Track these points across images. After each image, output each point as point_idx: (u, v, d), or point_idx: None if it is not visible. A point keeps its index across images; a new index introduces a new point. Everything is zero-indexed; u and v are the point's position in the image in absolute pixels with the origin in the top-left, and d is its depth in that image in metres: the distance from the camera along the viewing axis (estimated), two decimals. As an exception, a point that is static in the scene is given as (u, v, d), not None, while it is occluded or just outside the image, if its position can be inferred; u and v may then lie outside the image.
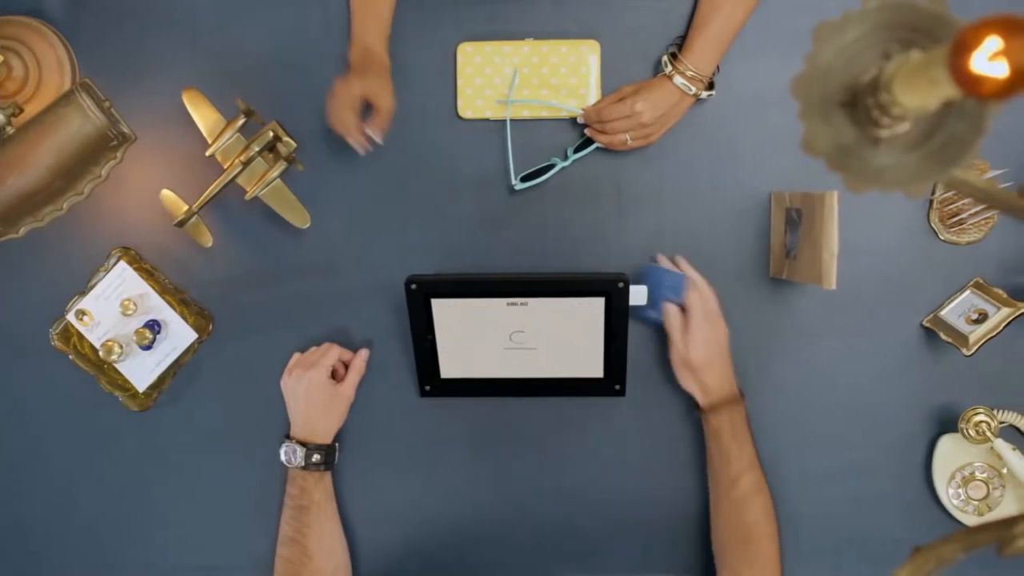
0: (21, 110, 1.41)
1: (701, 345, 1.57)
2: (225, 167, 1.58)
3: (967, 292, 1.65)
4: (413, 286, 1.60)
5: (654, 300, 1.61)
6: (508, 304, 1.57)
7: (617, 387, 1.61)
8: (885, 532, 1.68)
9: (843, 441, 1.68)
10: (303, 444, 1.62)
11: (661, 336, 1.66)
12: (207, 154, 1.58)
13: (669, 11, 1.66)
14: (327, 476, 1.64)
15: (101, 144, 1.46)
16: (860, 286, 1.66)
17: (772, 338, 1.67)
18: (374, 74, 1.54)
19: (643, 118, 1.58)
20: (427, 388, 1.60)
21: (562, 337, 1.58)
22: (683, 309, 1.59)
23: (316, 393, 1.62)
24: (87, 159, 1.47)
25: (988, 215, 1.64)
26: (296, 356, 1.66)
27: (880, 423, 1.67)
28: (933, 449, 1.66)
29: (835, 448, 1.68)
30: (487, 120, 1.66)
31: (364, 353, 1.66)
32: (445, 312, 1.60)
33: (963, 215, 1.64)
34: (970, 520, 1.66)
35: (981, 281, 1.65)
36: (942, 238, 1.66)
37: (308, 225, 1.60)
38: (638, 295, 1.58)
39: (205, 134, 1.59)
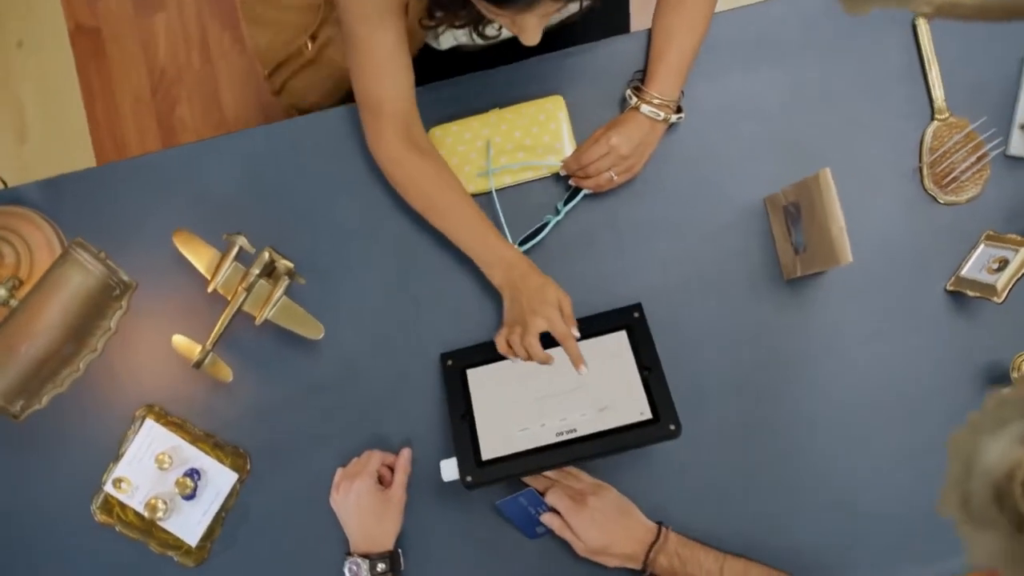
0: (21, 282, 1.42)
1: (591, 529, 1.54)
2: (229, 299, 1.58)
3: (981, 246, 1.64)
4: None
5: (530, 523, 1.60)
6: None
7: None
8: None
9: (898, 425, 1.65)
10: (365, 556, 1.58)
11: (689, 349, 1.64)
12: (209, 290, 1.58)
13: (624, 52, 1.70)
14: None
15: (105, 295, 1.46)
16: (874, 268, 1.66)
17: (802, 340, 1.66)
18: (543, 291, 1.54)
19: (621, 150, 1.60)
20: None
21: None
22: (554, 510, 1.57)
23: (367, 503, 1.59)
24: (94, 313, 1.47)
25: (980, 166, 1.64)
26: (340, 471, 1.63)
27: (930, 396, 1.65)
28: (992, 408, 1.63)
29: (892, 434, 1.64)
30: (474, 196, 1.67)
31: (407, 452, 1.63)
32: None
33: (955, 172, 1.65)
34: None
35: (992, 232, 1.65)
36: (942, 201, 1.66)
37: (322, 335, 1.59)
38: (449, 470, 1.55)
39: (203, 271, 1.60)
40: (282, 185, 1.68)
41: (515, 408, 1.57)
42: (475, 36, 1.55)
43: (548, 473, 1.59)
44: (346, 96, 1.82)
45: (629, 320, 1.58)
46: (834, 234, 1.45)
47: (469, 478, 1.51)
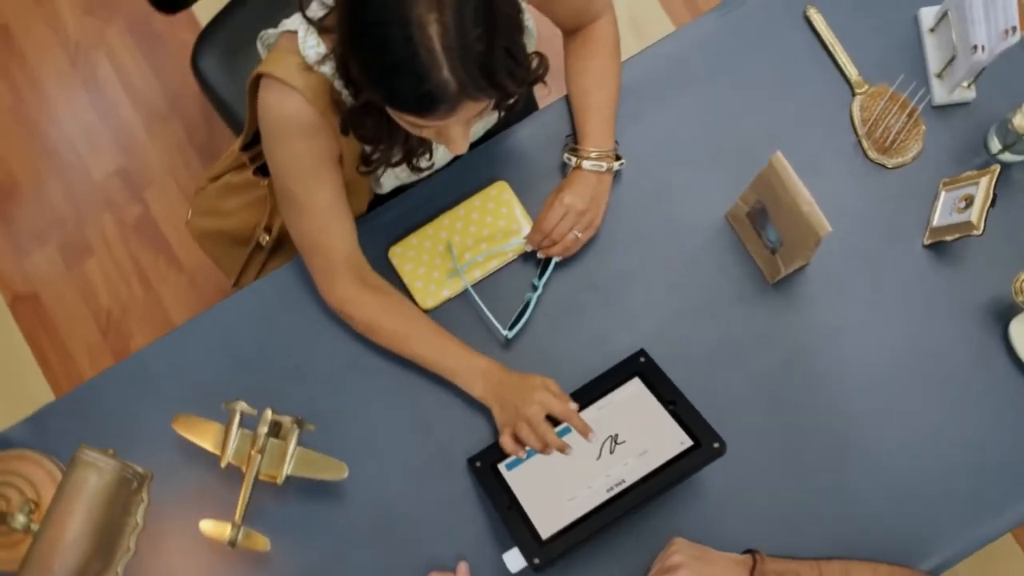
0: (37, 504, 1.38)
1: None
2: (244, 468, 1.55)
3: (942, 194, 1.68)
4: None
5: None
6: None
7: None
8: (1000, 452, 1.62)
9: (928, 389, 1.64)
10: None
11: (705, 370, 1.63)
12: (223, 465, 1.55)
13: (546, 124, 1.74)
14: None
15: (124, 489, 1.43)
16: (849, 249, 1.68)
17: (806, 337, 1.66)
18: (526, 382, 1.55)
19: (578, 207, 1.62)
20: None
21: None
22: None
23: None
24: (119, 511, 1.43)
25: (912, 122, 1.69)
26: None
27: (945, 353, 1.65)
28: (1009, 340, 1.64)
29: (926, 399, 1.64)
30: (451, 299, 1.67)
31: (463, 567, 1.58)
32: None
33: (892, 134, 1.69)
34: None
35: (947, 179, 1.68)
36: (891, 166, 1.70)
37: (347, 473, 1.56)
38: (514, 560, 1.51)
39: (212, 448, 1.57)
40: (262, 346, 1.67)
41: (557, 482, 1.54)
42: (411, 170, 1.57)
43: None
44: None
45: (637, 367, 1.58)
46: (805, 211, 1.47)
47: (536, 560, 1.47)
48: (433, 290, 1.67)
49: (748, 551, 1.54)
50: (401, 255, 1.69)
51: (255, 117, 1.61)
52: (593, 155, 1.65)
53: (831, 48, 1.74)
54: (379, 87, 1.28)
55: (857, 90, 1.72)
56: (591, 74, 1.68)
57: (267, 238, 1.83)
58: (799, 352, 1.65)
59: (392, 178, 1.67)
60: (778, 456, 1.61)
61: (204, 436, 1.58)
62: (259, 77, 1.46)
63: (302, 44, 1.41)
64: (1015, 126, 1.61)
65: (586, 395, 1.59)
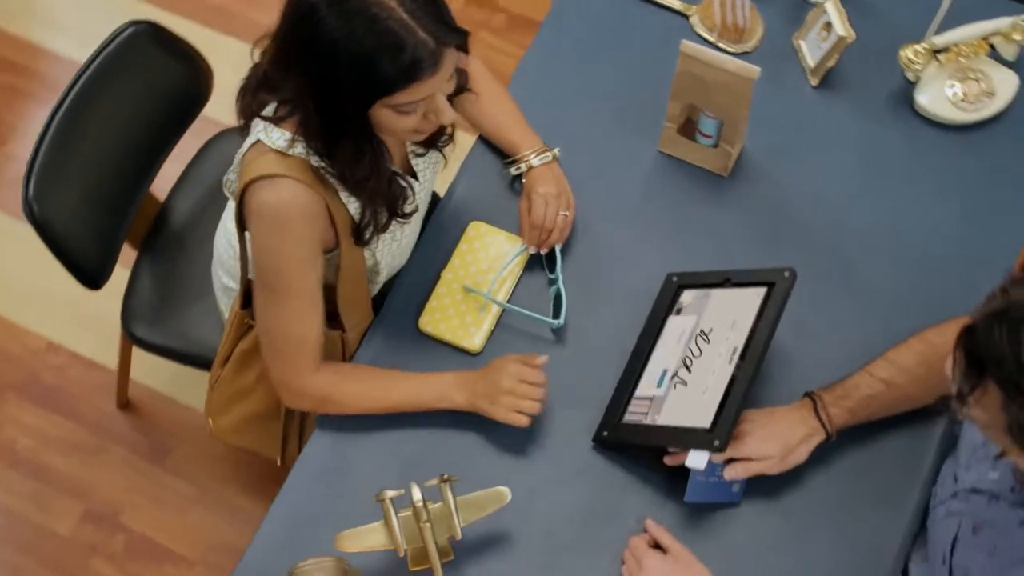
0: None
1: (762, 444, 1.62)
2: (423, 543, 1.57)
3: (801, 43, 1.96)
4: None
5: (724, 490, 1.66)
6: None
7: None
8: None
9: (878, 187, 1.87)
10: None
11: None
12: (401, 554, 1.57)
13: (478, 168, 1.92)
14: None
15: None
16: (760, 124, 1.90)
17: (777, 206, 1.87)
18: (494, 369, 1.68)
19: (552, 192, 1.80)
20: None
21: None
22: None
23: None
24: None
25: (745, 4, 1.96)
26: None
27: (887, 152, 1.91)
28: (920, 111, 1.91)
29: (884, 198, 1.87)
30: (494, 330, 1.79)
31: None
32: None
33: (740, 23, 1.96)
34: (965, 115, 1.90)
35: (795, 33, 1.97)
36: (750, 49, 1.96)
37: (510, 495, 1.60)
38: (697, 459, 1.59)
39: (384, 546, 1.58)
40: (350, 474, 1.72)
41: (684, 394, 1.65)
42: (399, 218, 1.68)
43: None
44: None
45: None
46: (732, 68, 1.70)
47: (718, 441, 1.56)
48: (475, 331, 1.78)
49: (806, 395, 1.67)
50: (431, 321, 1.79)
51: (245, 267, 1.72)
52: (534, 154, 1.84)
53: (652, -1, 2.04)
54: (367, 88, 1.43)
55: (688, 14, 2.00)
56: (489, 100, 1.89)
57: None
58: (779, 217, 1.85)
59: (386, 253, 1.76)
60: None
61: (371, 539, 1.59)
62: (244, 198, 1.57)
63: (268, 140, 1.55)
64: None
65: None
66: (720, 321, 1.67)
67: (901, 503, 1.67)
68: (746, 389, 1.58)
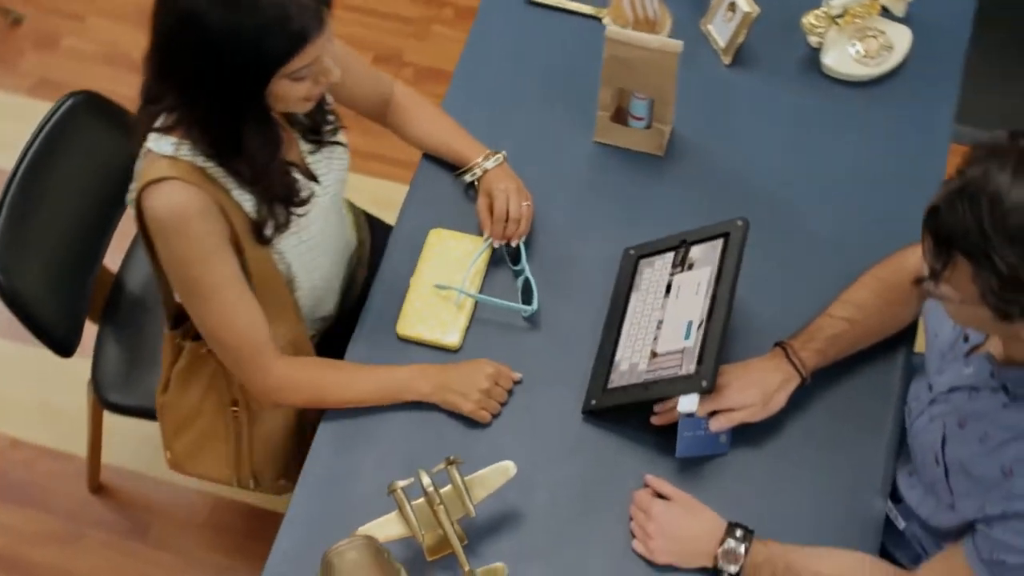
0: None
1: (743, 391, 1.71)
2: (440, 526, 1.62)
3: (708, 27, 2.09)
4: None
5: (712, 442, 1.75)
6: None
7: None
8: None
9: (808, 146, 2.01)
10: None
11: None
12: (421, 540, 1.61)
13: (427, 183, 2.00)
14: None
15: (381, 558, 1.49)
16: (689, 98, 2.02)
17: (717, 174, 1.98)
18: (467, 366, 1.79)
19: (511, 187, 1.90)
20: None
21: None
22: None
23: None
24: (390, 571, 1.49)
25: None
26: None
27: (804, 113, 2.05)
28: (826, 71, 2.05)
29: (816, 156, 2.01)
30: (469, 326, 1.87)
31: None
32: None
33: (650, 15, 2.08)
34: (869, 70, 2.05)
35: (702, 18, 2.10)
36: (667, 33, 2.09)
37: (515, 468, 1.66)
38: (688, 403, 1.66)
39: (403, 534, 1.63)
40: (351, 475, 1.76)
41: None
42: (295, 207, 1.73)
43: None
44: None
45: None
46: (656, 45, 1.83)
47: (705, 382, 1.64)
48: (451, 328, 1.85)
49: (776, 344, 1.77)
50: (408, 325, 1.86)
51: (170, 294, 1.80)
52: (484, 159, 1.94)
53: (561, 7, 2.15)
54: (264, 64, 1.51)
55: (600, 16, 2.13)
56: (429, 120, 2.00)
57: (241, 414, 1.90)
58: (717, 186, 1.97)
59: (296, 256, 1.79)
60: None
61: (389, 529, 1.64)
62: (140, 208, 1.63)
63: (157, 148, 1.62)
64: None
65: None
66: (690, 280, 1.77)
67: (879, 428, 1.77)
68: (722, 330, 1.67)
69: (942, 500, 1.57)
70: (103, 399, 2.15)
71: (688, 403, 1.66)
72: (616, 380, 1.77)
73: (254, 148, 1.62)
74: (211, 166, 1.63)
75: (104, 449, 2.46)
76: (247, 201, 1.68)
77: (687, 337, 1.71)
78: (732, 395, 1.70)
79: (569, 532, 1.71)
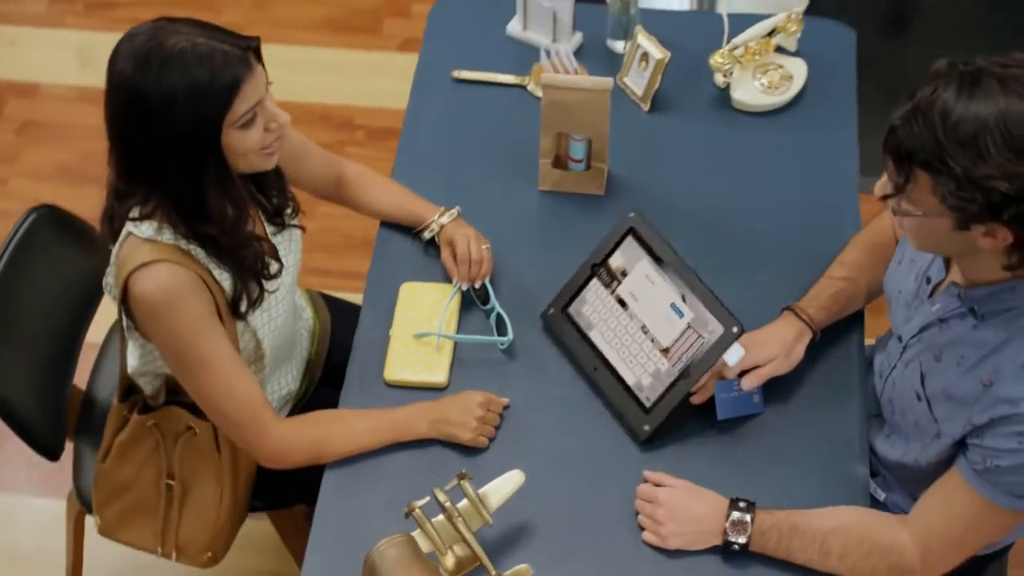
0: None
1: (763, 347, 1.85)
2: (462, 538, 1.68)
3: (625, 79, 2.28)
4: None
5: (747, 402, 1.88)
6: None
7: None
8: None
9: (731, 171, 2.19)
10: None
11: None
12: (446, 558, 1.67)
13: (392, 249, 2.11)
14: None
15: (419, 553, 1.54)
16: (621, 132, 2.19)
17: (656, 194, 2.14)
18: (457, 401, 1.87)
19: (471, 234, 2.04)
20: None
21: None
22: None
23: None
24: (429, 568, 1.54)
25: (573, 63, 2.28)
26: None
27: (728, 141, 2.23)
28: (736, 106, 2.25)
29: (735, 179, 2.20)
30: (452, 365, 1.96)
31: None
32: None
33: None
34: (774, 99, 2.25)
35: (618, 74, 2.29)
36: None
37: (523, 476, 1.74)
38: (734, 354, 1.79)
39: (430, 549, 1.67)
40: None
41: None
42: (266, 280, 1.83)
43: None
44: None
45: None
46: (589, 84, 2.00)
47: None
48: (437, 368, 1.95)
49: (783, 310, 1.92)
50: (395, 371, 1.95)
51: (125, 368, 1.89)
52: (440, 216, 2.07)
53: (485, 80, 2.33)
54: (208, 113, 1.60)
55: (524, 84, 2.31)
56: (382, 189, 2.14)
57: (175, 486, 1.95)
58: (657, 219, 2.11)
59: (267, 331, 1.89)
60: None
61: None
62: (126, 292, 1.71)
63: (138, 232, 1.71)
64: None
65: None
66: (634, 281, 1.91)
67: (847, 399, 1.92)
68: (706, 285, 1.82)
69: (927, 434, 1.69)
70: (90, 509, 2.15)
71: (734, 355, 1.79)
72: (651, 395, 1.85)
73: (220, 209, 1.70)
74: (193, 247, 1.73)
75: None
76: (226, 280, 1.78)
77: (680, 315, 1.83)
78: (755, 353, 1.84)
79: (580, 535, 1.79)
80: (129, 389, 1.94)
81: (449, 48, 2.40)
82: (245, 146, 1.68)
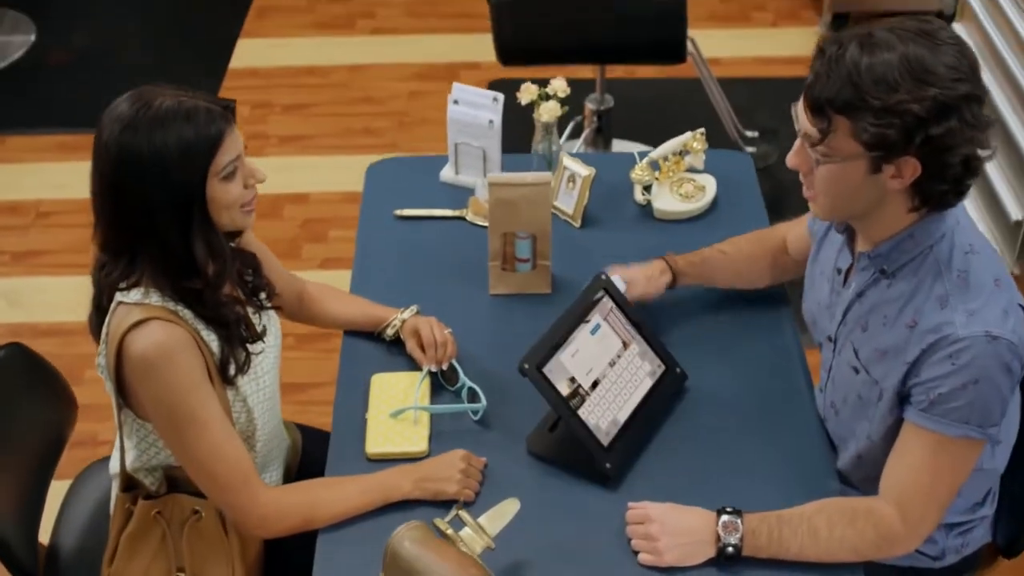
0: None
1: (627, 270, 2.16)
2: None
3: (560, 198, 2.50)
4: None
5: None
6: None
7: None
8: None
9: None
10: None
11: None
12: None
13: (359, 347, 2.22)
14: None
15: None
16: (569, 259, 2.38)
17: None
18: (439, 461, 1.95)
19: (432, 322, 2.18)
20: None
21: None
22: None
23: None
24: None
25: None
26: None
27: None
28: (655, 213, 2.47)
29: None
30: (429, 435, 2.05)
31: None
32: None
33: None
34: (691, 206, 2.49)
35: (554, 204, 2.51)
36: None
37: (519, 503, 1.80)
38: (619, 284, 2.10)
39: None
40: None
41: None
42: (250, 341, 1.92)
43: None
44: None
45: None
46: (531, 180, 2.20)
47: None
48: (416, 439, 2.03)
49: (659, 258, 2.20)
50: (376, 445, 2.02)
51: (123, 460, 1.93)
52: (400, 313, 2.21)
53: (425, 216, 2.51)
54: (194, 164, 1.72)
55: (463, 215, 2.50)
56: (342, 301, 2.28)
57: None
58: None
59: (257, 400, 1.95)
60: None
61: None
62: (120, 358, 1.78)
63: (127, 298, 1.80)
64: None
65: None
66: (613, 339, 2.04)
67: (801, 409, 2.09)
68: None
69: (871, 401, 1.83)
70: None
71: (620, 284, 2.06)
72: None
73: (205, 261, 1.79)
74: (180, 308, 1.82)
75: None
76: (213, 342, 1.86)
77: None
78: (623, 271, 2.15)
79: (575, 571, 1.85)
80: (131, 481, 1.94)
81: (389, 195, 2.58)
82: (228, 199, 1.79)
